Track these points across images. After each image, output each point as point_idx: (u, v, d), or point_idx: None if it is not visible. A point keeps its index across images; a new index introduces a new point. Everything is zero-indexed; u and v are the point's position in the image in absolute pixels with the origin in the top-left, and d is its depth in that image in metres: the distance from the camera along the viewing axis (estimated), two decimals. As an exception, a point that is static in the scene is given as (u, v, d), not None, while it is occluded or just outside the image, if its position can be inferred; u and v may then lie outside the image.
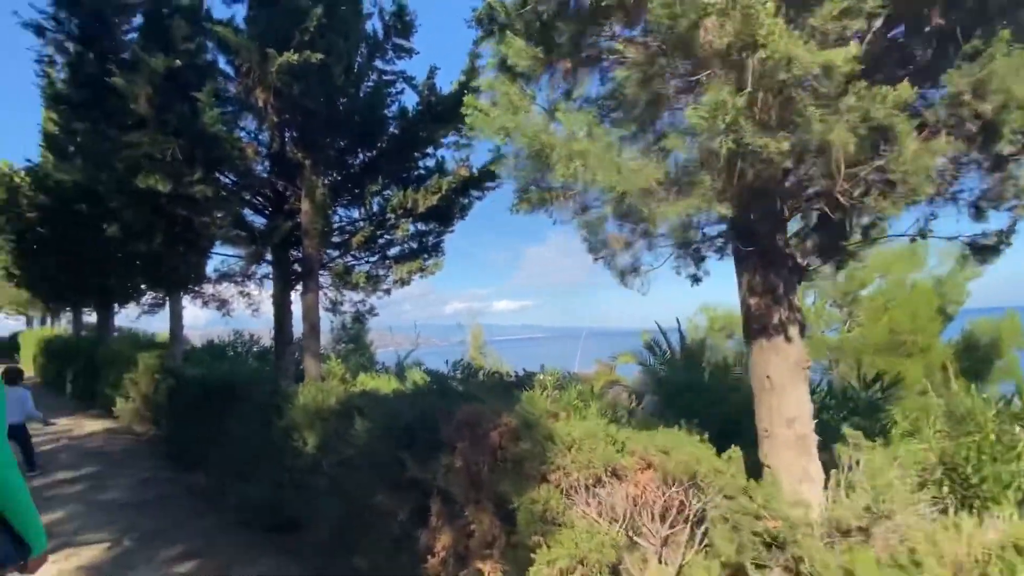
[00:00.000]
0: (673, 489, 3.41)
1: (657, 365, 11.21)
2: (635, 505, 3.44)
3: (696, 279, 3.78)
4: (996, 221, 2.93)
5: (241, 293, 8.03)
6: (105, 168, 5.81)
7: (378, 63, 7.28)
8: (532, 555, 3.36)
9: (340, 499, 4.89)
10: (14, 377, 8.02)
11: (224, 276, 7.75)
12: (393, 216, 6.87)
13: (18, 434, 7.61)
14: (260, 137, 7.00)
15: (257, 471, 5.92)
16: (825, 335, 12.65)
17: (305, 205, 6.41)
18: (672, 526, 3.51)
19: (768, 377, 2.84)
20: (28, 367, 17.46)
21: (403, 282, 7.50)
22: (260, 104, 5.57)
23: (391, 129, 7.06)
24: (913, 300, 11.45)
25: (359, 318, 8.12)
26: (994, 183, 2.56)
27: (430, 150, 7.62)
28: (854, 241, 3.32)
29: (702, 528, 3.57)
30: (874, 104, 1.89)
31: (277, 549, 5.34)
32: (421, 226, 7.73)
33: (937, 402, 6.27)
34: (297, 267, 7.31)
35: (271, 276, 7.55)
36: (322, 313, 7.45)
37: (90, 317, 19.28)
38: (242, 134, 6.61)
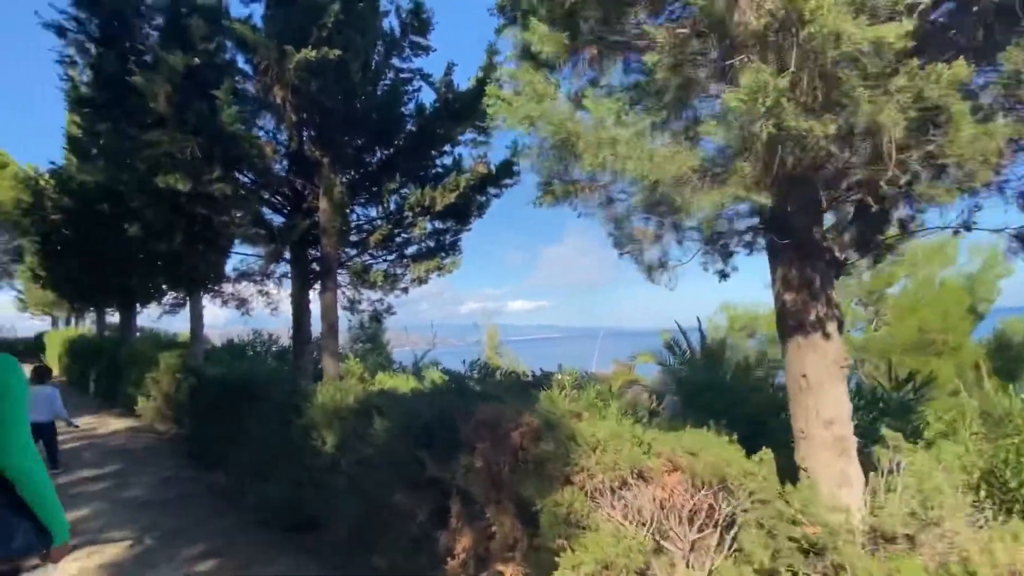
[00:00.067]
0: (702, 492, 3.30)
1: (677, 365, 11.05)
2: (662, 508, 3.33)
3: (724, 275, 3.66)
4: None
5: (260, 292, 8.06)
6: (126, 168, 5.85)
7: (395, 61, 7.25)
8: (556, 559, 3.27)
9: (359, 498, 4.85)
10: (42, 376, 8.11)
11: (243, 275, 7.78)
12: (411, 214, 6.83)
13: (45, 432, 7.70)
14: (278, 136, 7.01)
15: (276, 470, 5.91)
16: (850, 334, 12.35)
17: (323, 203, 6.39)
18: (700, 530, 3.39)
19: (804, 376, 2.71)
20: (53, 367, 17.80)
21: (421, 281, 7.46)
22: (278, 102, 5.55)
23: (408, 127, 7.02)
24: (943, 298, 11.12)
25: (377, 317, 8.09)
26: (1047, 171, 2.42)
27: (447, 148, 7.57)
28: (892, 234, 3.18)
29: (732, 532, 3.45)
30: (928, 83, 1.76)
31: (296, 548, 5.32)
32: (438, 224, 7.68)
33: (971, 403, 6.04)
34: (315, 266, 7.30)
35: (289, 275, 7.55)
36: (340, 312, 7.44)
37: (113, 317, 19.63)
38: (260, 133, 6.63)
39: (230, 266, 8.74)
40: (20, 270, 27.15)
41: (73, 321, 30.09)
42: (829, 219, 3.30)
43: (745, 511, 3.41)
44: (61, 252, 13.77)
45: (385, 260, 7.71)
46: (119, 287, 13.36)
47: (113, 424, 11.45)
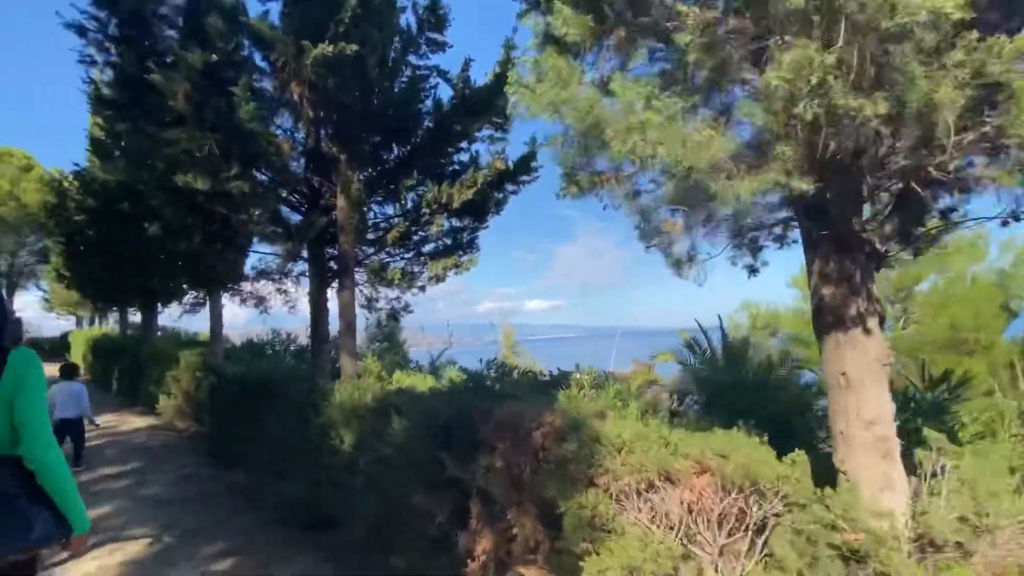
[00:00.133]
0: (732, 495, 3.17)
1: (698, 364, 10.85)
2: (690, 512, 3.21)
3: (753, 270, 3.52)
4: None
5: (278, 290, 8.07)
6: (145, 166, 5.87)
7: (412, 58, 7.20)
8: (580, 563, 3.17)
9: (377, 498, 4.79)
10: (71, 373, 8.21)
11: (261, 273, 7.79)
12: (428, 211, 6.77)
13: (73, 429, 7.79)
14: (295, 134, 7.00)
15: (294, 469, 5.88)
16: (877, 333, 11.97)
17: (340, 201, 6.36)
18: (730, 535, 3.27)
19: (844, 374, 2.57)
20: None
21: (438, 278, 7.40)
22: (295, 99, 5.53)
23: (426, 123, 6.97)
24: (974, 295, 10.76)
25: (394, 315, 8.06)
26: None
27: (464, 144, 7.51)
28: (934, 226, 3.02)
29: (762, 537, 3.32)
30: (989, 57, 1.63)
31: (315, 547, 5.28)
32: (455, 222, 7.62)
33: (1009, 403, 5.81)
34: (333, 264, 7.29)
35: (307, 273, 7.54)
36: (358, 311, 7.42)
37: (135, 317, 19.93)
38: (277, 131, 6.61)
39: (249, 265, 8.78)
40: (45, 271, 27.77)
41: (97, 321, 30.68)
42: (865, 210, 3.15)
43: (777, 515, 3.28)
44: (84, 252, 14.00)
45: (402, 258, 7.67)
46: (140, 287, 13.54)
47: (134, 422, 11.59)
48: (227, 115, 5.22)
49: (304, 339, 12.75)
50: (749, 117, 1.93)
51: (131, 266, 12.17)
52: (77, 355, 21.71)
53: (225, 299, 11.00)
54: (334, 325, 7.55)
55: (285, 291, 8.08)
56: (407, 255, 7.64)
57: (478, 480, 3.91)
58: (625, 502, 3.19)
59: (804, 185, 1.94)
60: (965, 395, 6.93)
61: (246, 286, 8.71)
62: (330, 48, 4.98)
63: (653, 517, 3.17)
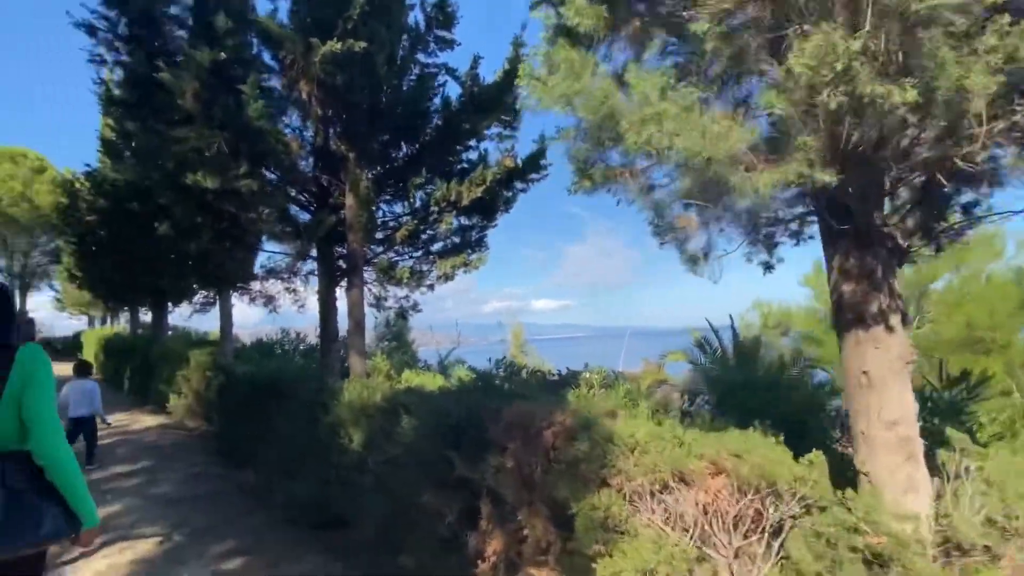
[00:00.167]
0: (748, 497, 3.11)
1: (708, 364, 10.76)
2: (705, 514, 3.15)
3: (769, 267, 3.45)
4: None
5: (287, 289, 8.07)
6: (155, 165, 5.88)
7: (420, 56, 7.17)
8: (592, 564, 3.12)
9: (386, 497, 4.76)
10: (84, 371, 8.24)
11: (270, 272, 7.79)
12: (436, 209, 6.74)
13: (86, 427, 7.83)
14: (304, 133, 7.00)
15: (304, 468, 5.87)
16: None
17: (349, 199, 6.34)
18: (746, 537, 3.21)
19: (865, 373, 2.50)
20: (90, 364, 18.25)
21: (447, 277, 7.37)
22: (304, 97, 5.51)
23: (434, 121, 6.93)
24: (990, 293, 10.57)
25: (403, 314, 8.03)
26: None
27: (473, 142, 7.47)
28: (956, 221, 2.94)
29: (779, 540, 3.25)
30: (1022, 42, 1.56)
31: (324, 547, 5.26)
32: (464, 220, 7.59)
33: (1028, 403, 5.70)
34: (342, 263, 7.27)
35: (316, 272, 7.54)
36: (366, 309, 7.40)
37: (146, 316, 20.07)
38: (286, 130, 6.61)
39: (258, 264, 8.80)
40: (58, 271, 28.06)
41: (108, 320, 30.96)
42: (885, 205, 3.07)
43: (794, 517, 3.22)
44: (96, 252, 14.10)
45: (411, 257, 7.65)
46: (151, 286, 13.62)
47: (145, 421, 11.65)
48: (236, 113, 5.21)
49: (313, 339, 12.79)
50: (769, 107, 1.86)
51: (141, 265, 12.25)
52: (89, 354, 21.89)
53: (235, 299, 11.05)
54: (343, 324, 7.55)
55: (294, 290, 8.09)
56: (416, 254, 7.62)
57: (488, 480, 3.86)
58: (638, 503, 3.13)
59: (827, 177, 1.88)
60: (983, 395, 6.81)
61: (255, 285, 8.73)
62: (338, 45, 4.96)
63: (667, 519, 3.11)
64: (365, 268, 7.31)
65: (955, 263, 11.47)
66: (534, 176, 7.36)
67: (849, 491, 2.44)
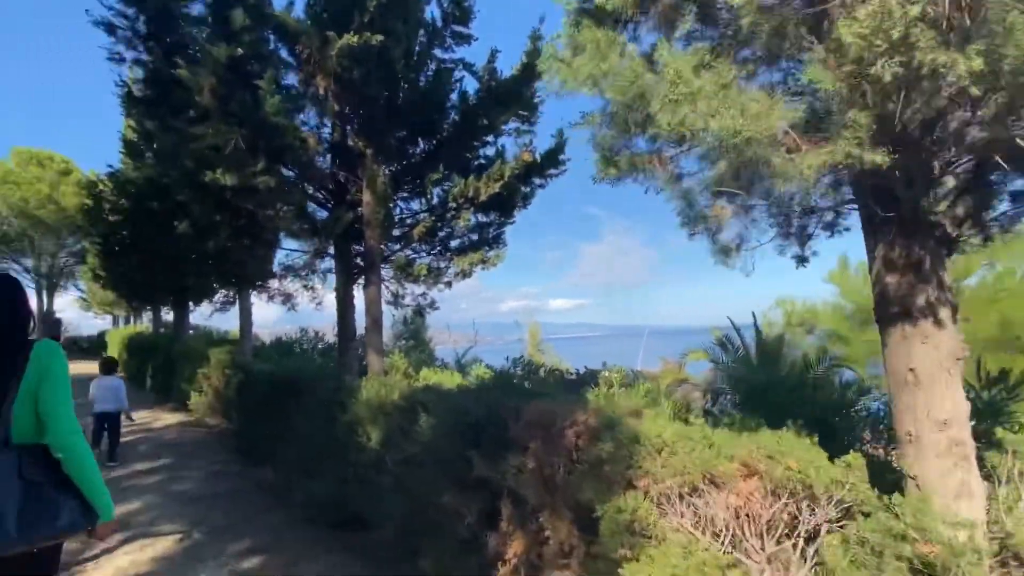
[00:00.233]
0: (783, 500, 2.96)
1: (730, 363, 10.54)
2: (736, 517, 3.02)
3: (802, 260, 3.30)
4: None
5: (305, 287, 8.07)
6: (173, 163, 5.89)
7: (437, 51, 7.10)
8: (618, 569, 3.00)
9: (404, 497, 4.69)
10: (110, 367, 8.38)
11: (288, 269, 7.79)
12: (454, 205, 6.66)
13: (111, 423, 7.94)
14: (321, 131, 6.97)
15: (322, 467, 5.83)
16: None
17: (366, 196, 6.29)
18: (779, 542, 3.06)
19: (912, 370, 2.35)
20: (114, 363, 18.53)
21: (465, 274, 7.29)
22: (321, 92, 5.47)
23: (452, 116, 6.86)
24: (1026, 290, 10.16)
25: (420, 312, 7.98)
26: None
27: (490, 138, 7.39)
28: (1007, 209, 2.75)
29: (814, 546, 3.10)
30: (1103, 4, 1.42)
31: (342, 546, 5.22)
32: (482, 217, 7.51)
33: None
34: (359, 260, 7.23)
35: (334, 270, 7.51)
36: (384, 307, 7.36)
37: (169, 316, 20.35)
38: (303, 127, 6.58)
39: (276, 262, 8.83)
40: (83, 271, 28.64)
41: (132, 319, 31.53)
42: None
43: (830, 522, 3.07)
44: (119, 252, 14.30)
45: (429, 254, 7.59)
46: (172, 285, 13.78)
47: (167, 418, 11.77)
48: (253, 109, 5.19)
49: (332, 337, 12.82)
50: (815, 82, 1.72)
51: (163, 265, 12.40)
52: (113, 353, 22.29)
53: (254, 297, 11.12)
54: (361, 322, 7.53)
55: (312, 288, 8.08)
56: (433, 251, 7.55)
57: (508, 481, 3.76)
58: (666, 506, 3.00)
59: (878, 157, 1.73)
60: (1022, 395, 6.51)
61: (273, 283, 8.75)
62: (355, 38, 4.90)
63: (697, 522, 2.98)
64: (383, 265, 7.26)
65: (989, 258, 11.07)
66: (552, 171, 7.25)
67: (896, 496, 2.28)
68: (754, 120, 1.74)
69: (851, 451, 3.28)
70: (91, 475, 2.07)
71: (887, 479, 3.01)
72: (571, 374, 9.74)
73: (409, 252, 7.55)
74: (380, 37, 5.05)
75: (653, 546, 2.89)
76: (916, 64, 1.50)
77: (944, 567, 2.08)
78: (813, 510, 3.01)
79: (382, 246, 6.95)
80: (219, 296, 13.53)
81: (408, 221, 7.41)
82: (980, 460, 2.75)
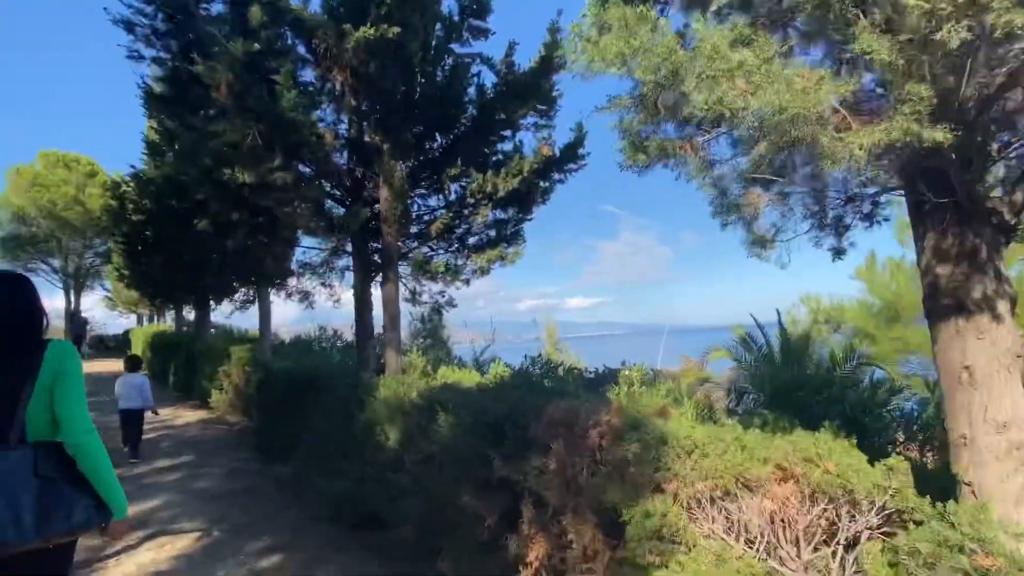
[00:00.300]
0: (821, 506, 2.81)
1: (753, 361, 10.31)
2: (771, 523, 2.87)
3: (839, 252, 3.14)
4: None
5: (323, 285, 8.05)
6: (192, 161, 5.88)
7: (454, 46, 7.00)
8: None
9: (423, 497, 4.61)
10: (134, 365, 8.50)
11: (306, 266, 7.77)
12: (472, 201, 6.56)
13: (134, 420, 8.04)
14: (338, 127, 6.93)
15: (340, 465, 5.79)
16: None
17: (384, 192, 6.22)
18: (816, 550, 2.91)
19: (967, 368, 2.18)
20: (137, 361, 18.81)
21: (483, 271, 7.19)
22: (338, 87, 5.41)
23: (469, 111, 6.75)
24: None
25: (438, 309, 7.90)
26: None
27: (509, 133, 7.27)
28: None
29: (853, 554, 2.94)
30: None
31: (360, 546, 5.16)
32: (500, 213, 7.40)
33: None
34: (377, 258, 7.18)
35: (352, 268, 7.47)
36: (402, 305, 7.30)
37: (191, 315, 20.63)
38: (320, 123, 6.54)
39: (294, 261, 8.84)
40: (108, 270, 29.21)
41: (155, 318, 32.08)
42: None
43: (870, 529, 2.90)
44: (142, 252, 14.50)
45: (447, 251, 7.50)
46: (193, 284, 13.92)
47: (188, 415, 11.89)
48: (269, 105, 5.15)
49: (350, 336, 12.84)
50: (869, 52, 1.57)
51: (185, 263, 12.53)
52: (137, 351, 22.67)
53: (273, 296, 11.17)
54: (379, 320, 7.47)
55: (330, 286, 8.06)
56: (451, 248, 7.47)
57: (530, 482, 3.65)
58: (696, 511, 2.87)
59: (939, 135, 1.58)
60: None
61: (292, 282, 8.76)
62: (371, 31, 4.83)
63: (729, 528, 2.84)
64: (400, 263, 7.20)
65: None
66: (571, 166, 7.11)
67: (951, 504, 2.11)
68: (800, 96, 1.60)
69: (881, 452, 3.12)
70: (106, 473, 2.08)
71: (929, 483, 2.84)
72: (590, 373, 9.60)
73: (427, 249, 7.48)
74: (397, 30, 4.98)
75: (683, 552, 2.76)
76: (988, 28, 1.36)
77: (1006, 581, 1.91)
78: (853, 516, 2.86)
79: (400, 243, 6.88)
80: (239, 295, 13.65)
81: (426, 218, 7.34)
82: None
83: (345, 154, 6.74)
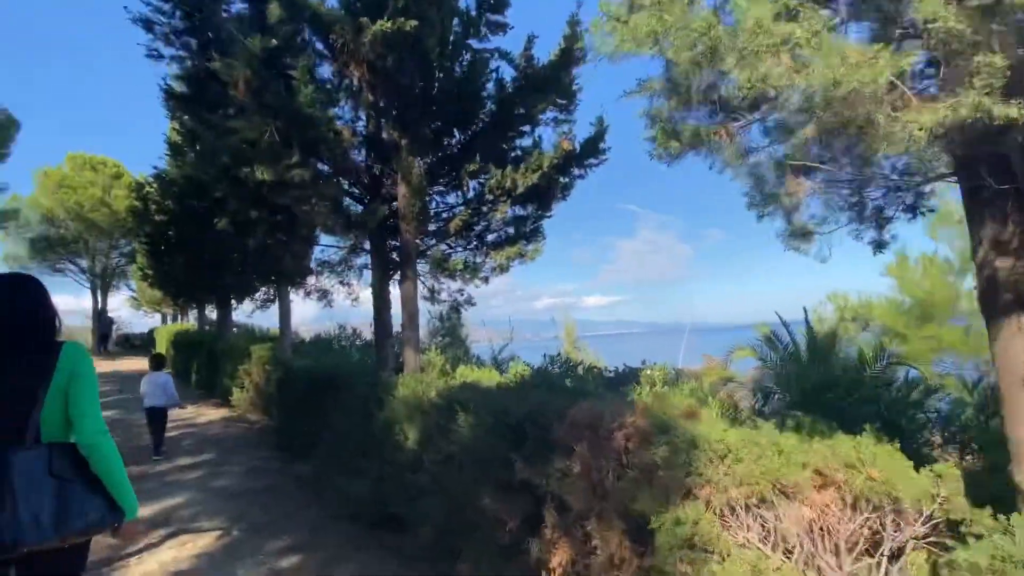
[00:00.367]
0: (864, 514, 2.65)
1: (779, 360, 10.05)
2: (810, 532, 2.71)
3: (880, 245, 2.96)
4: None
5: (341, 283, 8.02)
6: (211, 159, 5.88)
7: (472, 42, 6.90)
8: (675, 586, 2.74)
9: (442, 498, 4.52)
10: (159, 364, 8.62)
11: (324, 264, 7.75)
12: (491, 197, 6.45)
13: (158, 417, 8.14)
14: (356, 125, 6.89)
15: (359, 464, 5.74)
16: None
17: (402, 189, 6.15)
18: (857, 559, 2.75)
19: (1031, 368, 2.01)
20: (161, 359, 19.09)
21: (502, 268, 7.09)
22: (355, 82, 5.35)
23: (488, 106, 6.65)
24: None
25: (456, 308, 7.83)
26: None
27: (527, 128, 7.15)
28: None
29: (897, 565, 2.78)
30: None
31: (379, 546, 5.10)
32: (519, 210, 7.29)
33: None
34: (395, 256, 7.12)
35: (370, 266, 7.43)
36: (420, 304, 7.23)
37: (213, 314, 20.88)
38: (338, 121, 6.50)
39: (313, 259, 8.84)
40: (132, 270, 29.76)
41: (179, 317, 32.61)
42: None
43: (916, 539, 2.74)
44: (164, 252, 14.69)
45: (465, 249, 7.42)
46: (214, 283, 14.06)
47: (210, 414, 11.99)
48: (287, 101, 5.11)
49: (369, 334, 12.85)
50: (936, 18, 1.43)
51: (206, 263, 12.65)
52: (161, 349, 23.04)
53: (293, 295, 11.23)
54: (397, 319, 7.43)
55: (348, 284, 8.03)
56: (469, 246, 7.38)
57: (553, 485, 3.54)
58: (730, 518, 2.72)
59: (1012, 111, 1.42)
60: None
61: (311, 280, 8.76)
62: (388, 24, 4.75)
63: (765, 537, 2.69)
64: (418, 261, 7.13)
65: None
66: (592, 161, 6.97)
67: (1015, 517, 1.95)
68: (857, 69, 1.46)
69: (919, 455, 2.96)
70: (118, 474, 2.10)
71: (978, 490, 2.67)
72: (609, 372, 9.45)
73: (445, 247, 7.40)
74: (414, 23, 4.89)
75: (716, 562, 2.62)
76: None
77: (1077, 602, 1.75)
78: (899, 525, 2.69)
79: (418, 240, 6.81)
80: (260, 294, 13.74)
81: (444, 215, 7.26)
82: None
83: (363, 151, 6.70)
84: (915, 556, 2.77)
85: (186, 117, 7.18)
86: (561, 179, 6.94)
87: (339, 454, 6.24)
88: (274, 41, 5.18)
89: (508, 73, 6.88)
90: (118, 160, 30.24)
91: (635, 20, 1.93)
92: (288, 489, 6.82)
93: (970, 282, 11.00)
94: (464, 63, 6.71)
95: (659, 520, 2.75)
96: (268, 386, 9.61)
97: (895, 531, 2.66)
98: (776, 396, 8.85)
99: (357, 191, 7.13)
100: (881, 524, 2.66)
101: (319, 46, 5.95)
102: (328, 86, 6.30)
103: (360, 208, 6.80)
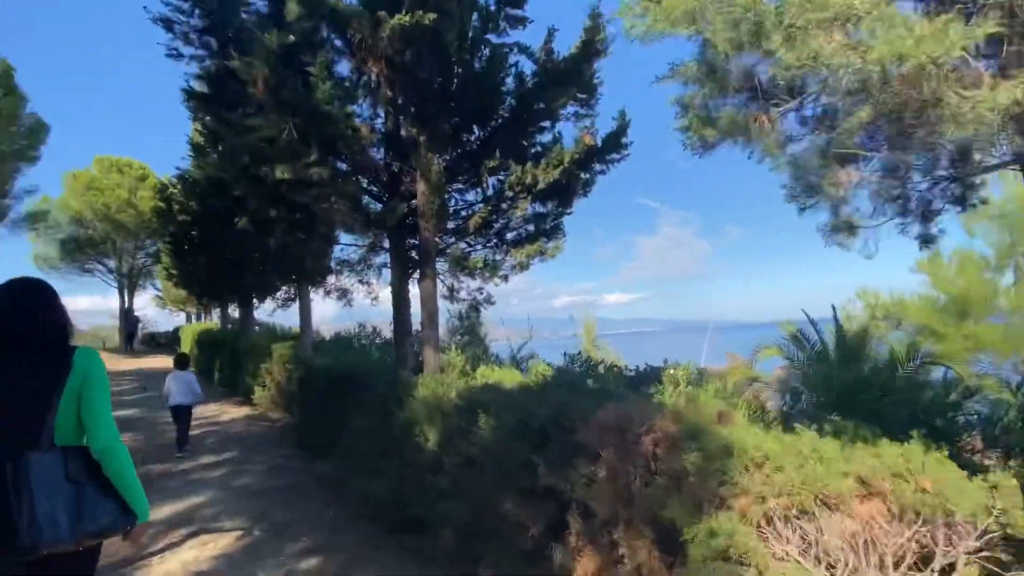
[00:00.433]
0: (914, 528, 2.48)
1: (807, 359, 9.77)
2: (853, 546, 2.55)
3: (927, 240, 2.78)
4: None
5: (360, 281, 8.00)
6: (231, 158, 5.88)
7: (491, 37, 6.79)
8: (708, 600, 2.61)
9: (463, 501, 4.44)
10: (183, 363, 8.76)
11: (343, 263, 7.73)
12: (511, 194, 6.34)
13: (184, 415, 8.25)
14: (374, 122, 6.83)
15: (379, 465, 5.69)
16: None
17: (421, 186, 6.08)
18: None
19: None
20: (184, 358, 19.39)
21: (522, 266, 6.98)
22: (373, 79, 5.29)
23: (507, 101, 6.54)
24: None
25: (476, 306, 7.74)
26: None
27: (547, 123, 7.02)
28: None
29: (948, 581, 2.60)
30: None
31: (399, 547, 5.05)
32: (539, 207, 7.16)
33: None
34: (414, 254, 7.06)
35: (389, 264, 7.38)
36: (439, 302, 7.16)
37: (236, 313, 21.15)
38: (356, 120, 6.45)
39: (332, 258, 8.84)
40: (158, 270, 30.34)
41: (203, 316, 33.17)
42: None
43: (969, 553, 2.56)
44: (188, 251, 14.90)
45: (485, 246, 7.32)
46: (236, 283, 14.20)
47: (233, 412, 12.10)
48: (305, 98, 5.07)
49: (388, 333, 12.84)
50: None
51: (227, 262, 12.78)
52: (185, 348, 23.41)
53: (313, 294, 11.26)
54: (416, 318, 7.37)
55: (367, 283, 8.00)
56: (489, 243, 7.29)
57: (577, 491, 3.42)
58: (767, 530, 2.58)
59: (1102, 87, 1.28)
60: None
61: (331, 279, 8.76)
62: (407, 18, 4.68)
63: (805, 550, 2.54)
64: (438, 259, 7.06)
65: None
66: (614, 156, 6.81)
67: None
68: (924, 42, 1.31)
69: (960, 460, 2.79)
70: (130, 478, 2.13)
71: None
72: (630, 370, 9.27)
73: (464, 245, 7.32)
74: (432, 16, 4.81)
75: (752, 576, 2.48)
76: None
77: None
78: (951, 540, 2.52)
79: (437, 239, 6.74)
80: (281, 293, 13.85)
81: (463, 212, 7.18)
82: None
83: (381, 148, 6.64)
84: (967, 571, 2.60)
85: (207, 117, 7.22)
86: (582, 175, 6.81)
87: (359, 453, 6.20)
88: (292, 37, 5.14)
89: (528, 67, 6.76)
90: (144, 162, 30.80)
91: (669, 0, 1.79)
92: (309, 488, 6.81)
93: (1009, 278, 10.58)
94: (483, 58, 6.60)
95: (692, 531, 2.61)
96: (289, 384, 9.65)
97: (947, 546, 2.48)
98: (805, 397, 8.60)
99: (376, 189, 7.08)
100: (932, 538, 2.49)
101: (337, 42, 5.90)
102: (346, 83, 6.26)
103: (379, 206, 6.75)
